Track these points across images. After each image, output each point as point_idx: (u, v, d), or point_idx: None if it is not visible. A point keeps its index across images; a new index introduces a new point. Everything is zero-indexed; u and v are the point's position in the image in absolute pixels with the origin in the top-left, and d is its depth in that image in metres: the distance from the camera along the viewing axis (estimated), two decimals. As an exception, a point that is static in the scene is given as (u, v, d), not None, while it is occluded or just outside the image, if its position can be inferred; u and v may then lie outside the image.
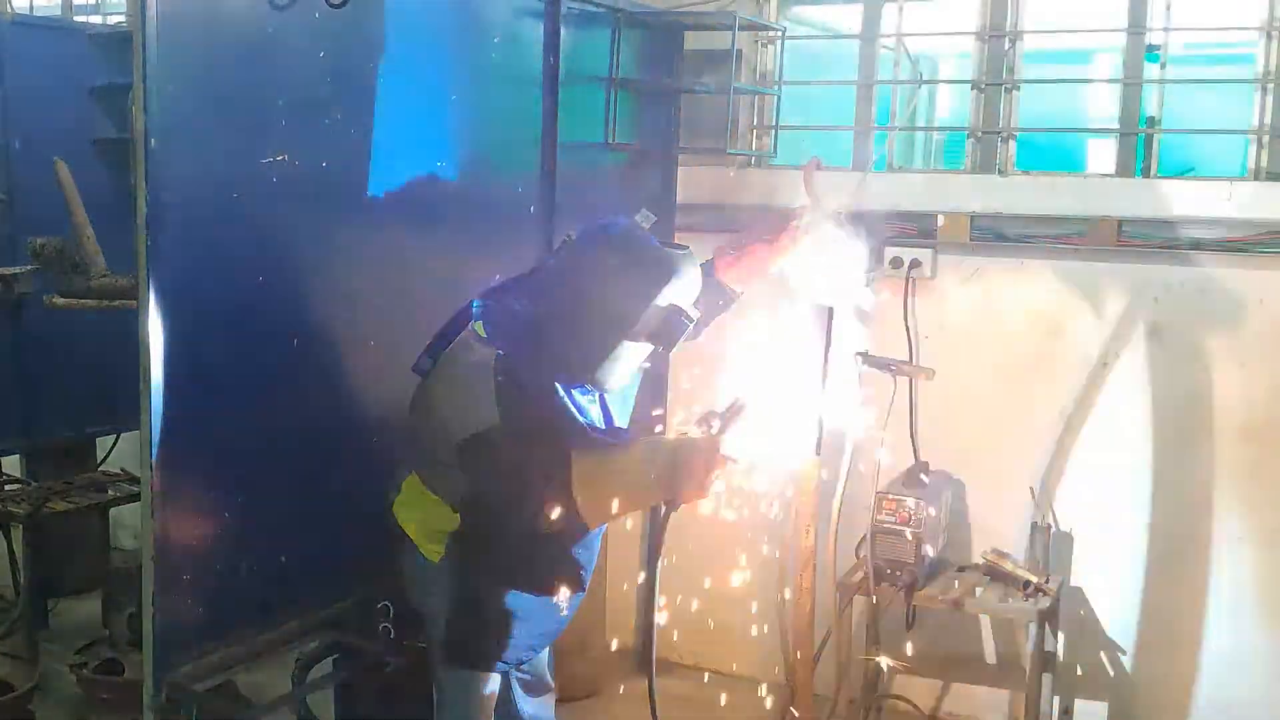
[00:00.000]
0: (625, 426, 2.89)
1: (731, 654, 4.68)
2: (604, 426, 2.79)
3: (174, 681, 2.72)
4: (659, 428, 2.99)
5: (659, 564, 2.71)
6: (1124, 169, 4.21)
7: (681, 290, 2.63)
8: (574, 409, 2.71)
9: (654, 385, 4.39)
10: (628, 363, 2.69)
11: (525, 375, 2.62)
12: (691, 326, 2.63)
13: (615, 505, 2.66)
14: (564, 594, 2.91)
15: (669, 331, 2.61)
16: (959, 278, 4.31)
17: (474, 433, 2.57)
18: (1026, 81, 4.31)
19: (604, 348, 2.64)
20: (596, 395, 2.78)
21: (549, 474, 2.55)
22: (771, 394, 2.78)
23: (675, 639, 4.53)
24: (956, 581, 4.03)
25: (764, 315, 3.08)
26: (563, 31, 3.72)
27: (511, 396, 2.58)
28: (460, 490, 2.72)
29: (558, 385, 2.68)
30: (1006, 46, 4.28)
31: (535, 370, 2.65)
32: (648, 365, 2.78)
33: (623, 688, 4.67)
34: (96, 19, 6.02)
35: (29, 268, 4.41)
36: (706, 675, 4.65)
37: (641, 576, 4.83)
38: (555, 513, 2.58)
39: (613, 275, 2.61)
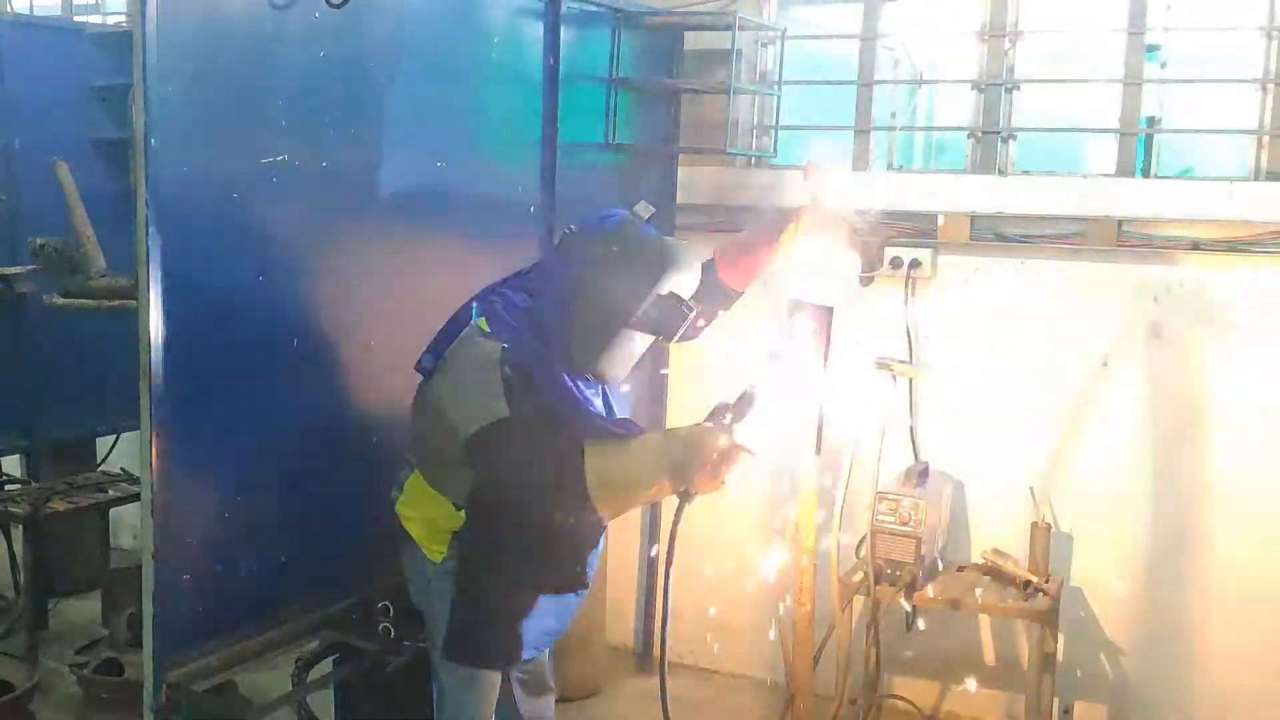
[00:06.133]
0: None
1: (731, 654, 4.68)
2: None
3: (174, 681, 2.72)
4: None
5: (671, 560, 2.69)
6: (1124, 169, 4.21)
7: (680, 279, 2.65)
8: (582, 399, 2.71)
9: (653, 383, 4.41)
10: (629, 353, 2.70)
11: (532, 367, 2.63)
12: (691, 316, 2.63)
13: (630, 498, 2.66)
14: (568, 592, 2.91)
15: (669, 321, 2.63)
16: (959, 278, 4.31)
17: (482, 427, 2.57)
18: (1026, 81, 4.31)
19: (605, 338, 2.65)
20: (599, 387, 2.78)
21: (561, 466, 2.55)
22: (777, 389, 2.78)
23: (675, 639, 4.53)
24: (956, 581, 4.03)
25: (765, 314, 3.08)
26: (563, 31, 3.73)
27: (520, 389, 2.59)
28: (466, 488, 2.72)
29: (564, 376, 2.68)
30: (1006, 46, 4.28)
31: (540, 362, 2.65)
32: (647, 358, 2.79)
33: (623, 688, 4.67)
34: (96, 19, 6.02)
35: (29, 268, 4.41)
36: (706, 675, 4.65)
37: (641, 574, 4.85)
38: (569, 506, 2.58)
39: (612, 265, 2.62)
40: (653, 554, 4.69)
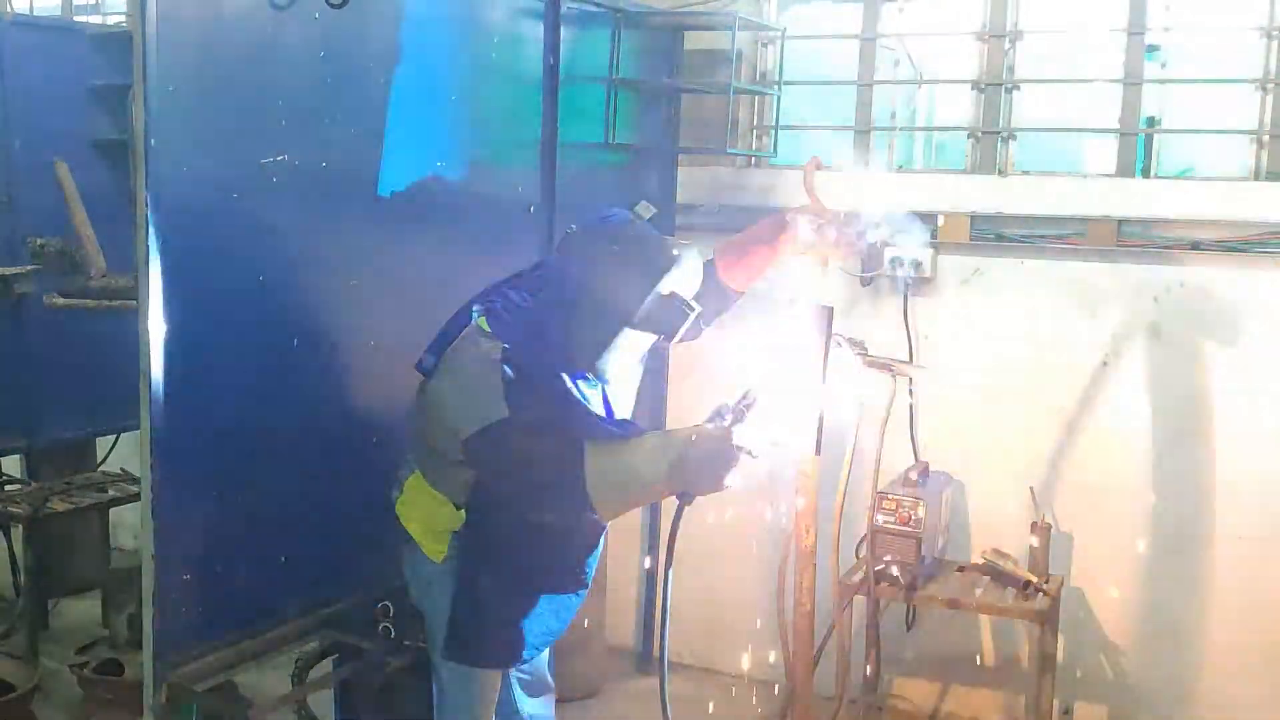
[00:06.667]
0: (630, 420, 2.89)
1: (731, 654, 4.68)
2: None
3: (174, 681, 2.72)
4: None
5: (672, 561, 2.69)
6: (1124, 169, 4.21)
7: (682, 278, 2.65)
8: (582, 399, 2.71)
9: (653, 383, 4.41)
10: (629, 352, 2.70)
11: (532, 366, 2.63)
12: (693, 316, 2.63)
13: (629, 498, 2.66)
14: (568, 592, 2.91)
15: (670, 320, 2.63)
16: (959, 278, 4.31)
17: (483, 427, 2.57)
18: (1026, 81, 4.31)
19: (605, 336, 2.65)
20: (599, 387, 2.78)
21: (561, 466, 2.55)
22: (779, 388, 2.77)
23: (675, 639, 4.53)
24: (956, 581, 4.03)
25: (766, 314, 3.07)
26: (563, 31, 3.72)
27: (520, 389, 2.59)
28: (466, 488, 2.72)
29: (564, 376, 2.68)
30: (1006, 46, 4.28)
31: (541, 361, 2.65)
32: (647, 359, 2.79)
33: (623, 688, 4.67)
34: (96, 19, 6.02)
35: (29, 268, 4.41)
36: (706, 675, 4.65)
37: (641, 574, 4.85)
38: (569, 506, 2.58)
39: (613, 263, 2.62)
40: (646, 567, 4.71)
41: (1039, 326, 4.22)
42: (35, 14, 6.08)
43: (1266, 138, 4.02)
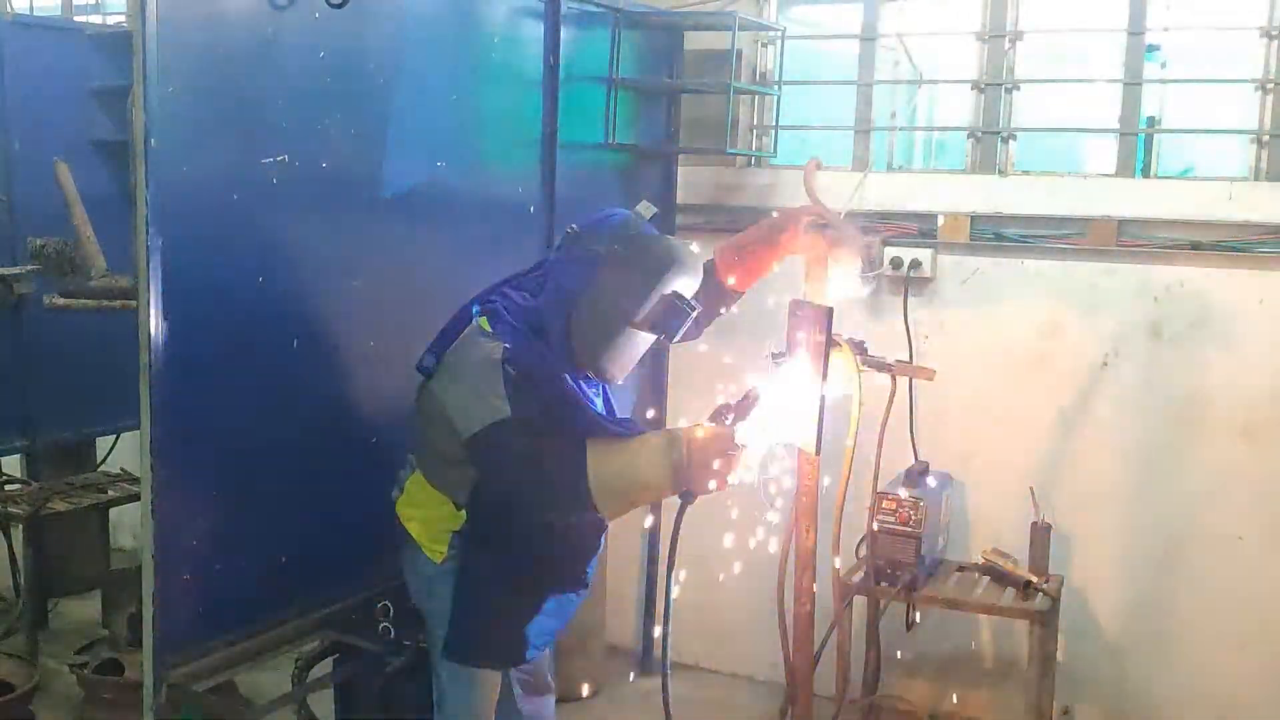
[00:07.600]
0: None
1: (731, 654, 4.68)
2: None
3: (174, 681, 2.72)
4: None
5: (673, 561, 2.69)
6: (1124, 169, 4.21)
7: (683, 278, 2.65)
8: (584, 398, 2.71)
9: (653, 383, 4.41)
10: (630, 352, 2.70)
11: (534, 366, 2.63)
12: (693, 316, 2.64)
13: (631, 497, 2.66)
14: (568, 592, 2.91)
15: (671, 320, 2.63)
16: (959, 278, 4.31)
17: (484, 427, 2.57)
18: (1026, 81, 4.31)
19: (607, 336, 2.65)
20: (600, 387, 2.78)
21: (563, 466, 2.55)
22: (780, 387, 2.78)
23: (675, 639, 4.53)
24: (956, 581, 4.03)
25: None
26: (563, 31, 3.73)
27: (522, 389, 2.59)
28: (467, 488, 2.72)
29: (566, 375, 2.68)
30: (1006, 46, 4.28)
31: (542, 361, 2.65)
32: (648, 358, 2.79)
33: (623, 688, 4.67)
34: (96, 19, 6.02)
35: (29, 268, 4.41)
36: (706, 675, 4.65)
37: (641, 574, 4.85)
38: (570, 506, 2.58)
39: (615, 264, 2.63)
40: (649, 525, 4.65)
41: (1039, 326, 4.22)
42: (35, 14, 6.08)
43: (1266, 138, 4.02)
